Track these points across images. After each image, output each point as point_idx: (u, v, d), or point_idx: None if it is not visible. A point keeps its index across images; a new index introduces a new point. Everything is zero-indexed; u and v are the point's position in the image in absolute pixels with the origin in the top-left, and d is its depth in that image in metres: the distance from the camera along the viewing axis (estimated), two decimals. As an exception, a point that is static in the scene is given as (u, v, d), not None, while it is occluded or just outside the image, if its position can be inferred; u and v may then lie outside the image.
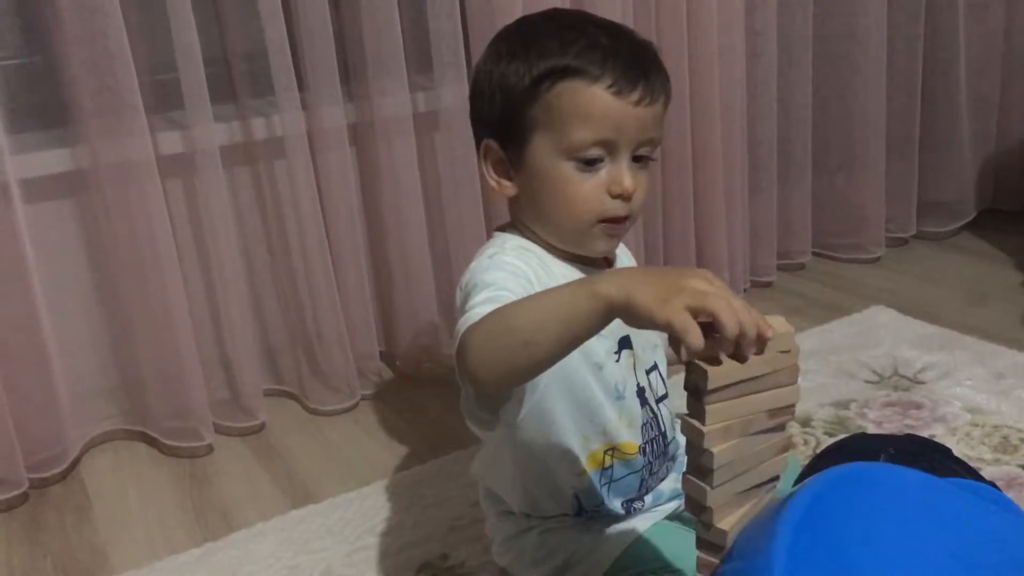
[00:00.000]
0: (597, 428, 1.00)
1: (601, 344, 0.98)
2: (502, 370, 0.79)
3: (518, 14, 1.61)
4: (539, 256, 0.99)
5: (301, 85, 1.61)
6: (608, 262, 1.06)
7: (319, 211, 1.66)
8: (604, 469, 1.01)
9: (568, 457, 1.00)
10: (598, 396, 0.99)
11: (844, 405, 1.53)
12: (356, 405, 1.72)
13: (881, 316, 1.88)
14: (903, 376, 1.61)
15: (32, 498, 1.50)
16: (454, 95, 1.69)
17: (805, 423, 1.48)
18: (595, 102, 0.92)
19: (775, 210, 2.12)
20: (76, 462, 1.58)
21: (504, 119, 0.97)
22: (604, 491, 1.02)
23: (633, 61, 0.94)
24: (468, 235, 1.75)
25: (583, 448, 1.00)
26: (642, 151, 0.96)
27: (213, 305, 1.67)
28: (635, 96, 0.93)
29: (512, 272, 0.93)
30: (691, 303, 0.66)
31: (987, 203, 2.42)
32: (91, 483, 1.54)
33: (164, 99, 1.60)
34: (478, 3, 1.67)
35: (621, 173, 0.95)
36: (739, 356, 0.69)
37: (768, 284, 2.13)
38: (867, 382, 1.61)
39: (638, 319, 0.69)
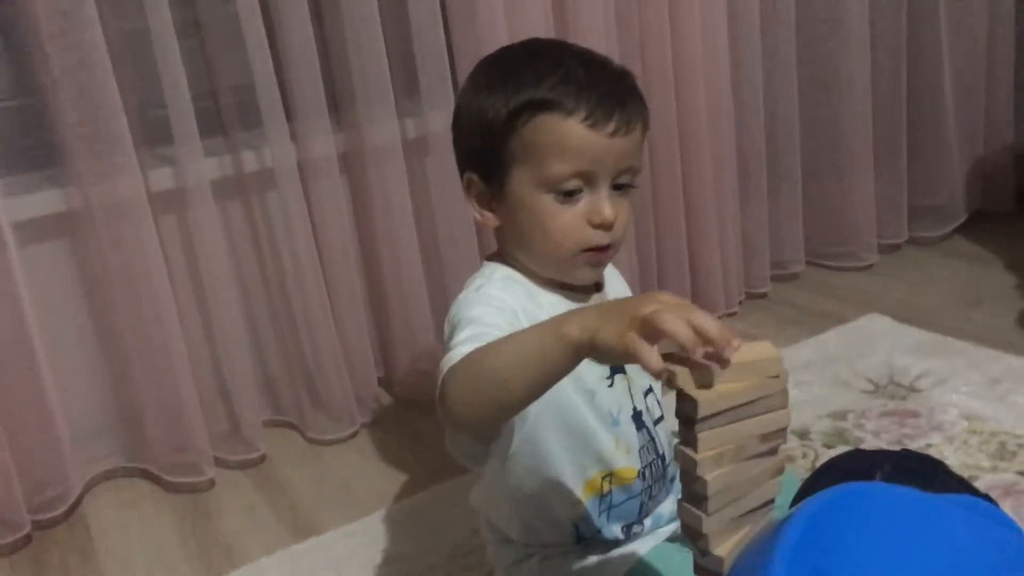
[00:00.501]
0: (592, 455, 1.00)
1: (593, 371, 0.99)
2: (480, 412, 0.81)
3: (502, 36, 1.64)
4: (525, 286, 1.00)
5: (290, 116, 1.62)
6: (598, 287, 1.07)
7: (312, 240, 1.67)
8: (603, 496, 1.01)
9: (564, 487, 1.00)
10: (591, 423, 0.99)
11: (841, 416, 1.54)
12: (356, 433, 1.72)
13: (876, 324, 1.89)
14: (899, 384, 1.62)
15: (35, 540, 1.50)
16: (443, 119, 1.70)
17: (803, 435, 1.49)
18: (571, 135, 0.93)
19: (767, 220, 2.13)
20: (78, 501, 1.58)
21: (483, 152, 0.98)
22: (603, 518, 1.02)
23: (608, 92, 0.94)
24: (462, 257, 1.76)
25: (579, 476, 1.00)
26: (622, 179, 0.97)
27: (210, 338, 1.67)
28: (610, 127, 0.93)
29: (498, 307, 0.93)
30: (644, 327, 0.66)
31: (977, 205, 2.43)
32: (94, 522, 1.54)
33: (154, 136, 1.61)
34: (462, 26, 1.68)
35: (601, 203, 0.96)
36: (706, 378, 0.69)
37: (763, 295, 2.14)
38: (864, 392, 1.61)
39: (604, 356, 0.70)
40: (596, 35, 1.75)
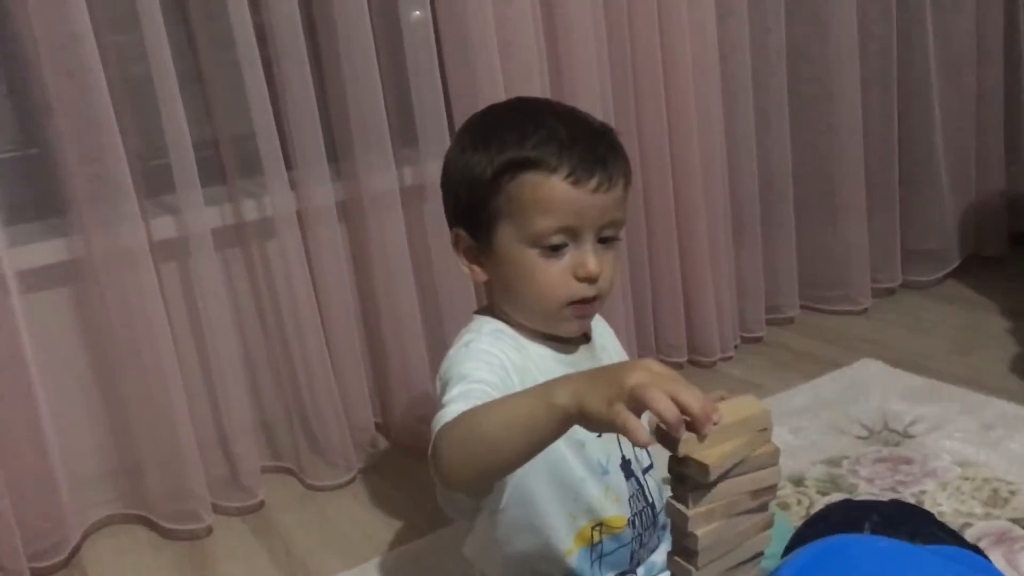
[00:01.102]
0: (582, 506, 1.01)
1: None
2: (472, 473, 0.83)
3: (498, 84, 1.67)
4: (514, 339, 1.02)
5: (289, 165, 1.65)
6: (586, 338, 1.09)
7: (311, 288, 1.68)
8: (593, 545, 1.02)
9: (554, 538, 1.01)
10: (580, 474, 1.01)
11: (836, 463, 1.54)
12: (353, 479, 1.73)
13: (870, 369, 1.90)
14: (893, 430, 1.63)
15: (34, 587, 1.51)
16: (440, 168, 1.72)
17: (798, 482, 1.49)
18: (554, 193, 0.96)
19: (761, 265, 2.15)
20: (77, 549, 1.58)
21: (470, 209, 1.02)
22: (595, 567, 1.03)
23: (590, 149, 0.97)
24: (459, 305, 1.77)
25: (570, 528, 1.01)
26: (606, 233, 1.00)
27: (209, 384, 1.68)
28: (592, 184, 0.96)
29: (487, 361, 0.95)
30: (631, 401, 0.68)
31: (970, 249, 2.45)
32: (92, 570, 1.54)
33: (156, 185, 1.64)
34: (459, 75, 1.71)
35: (585, 256, 0.98)
36: (699, 441, 0.71)
37: (758, 339, 2.15)
38: (858, 437, 1.62)
39: (593, 424, 0.72)
40: (589, 84, 1.78)
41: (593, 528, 1.02)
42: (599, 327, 1.13)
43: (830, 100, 2.15)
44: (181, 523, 1.61)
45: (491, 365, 0.95)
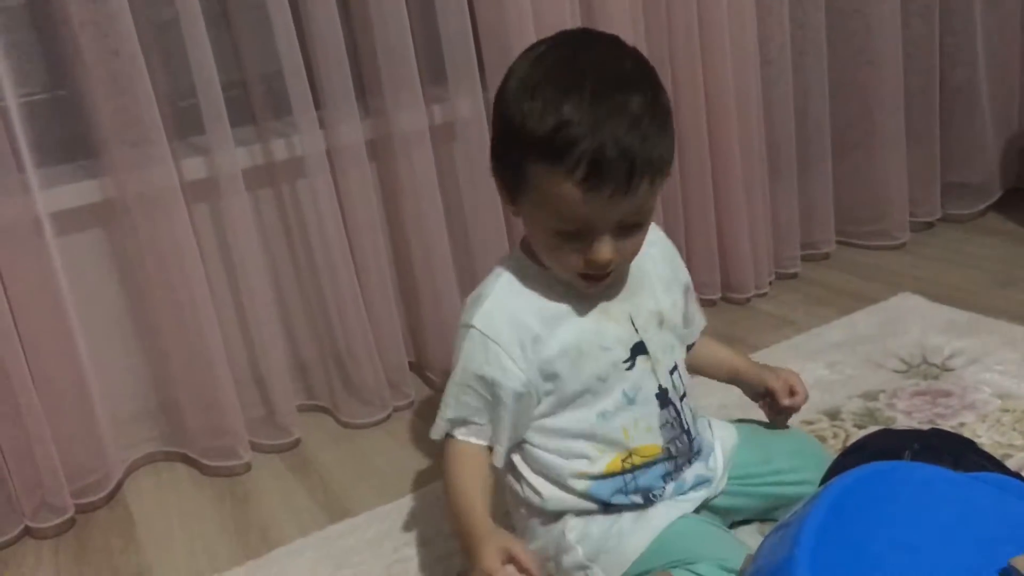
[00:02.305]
0: (607, 439, 1.05)
1: (608, 357, 1.04)
2: None
3: (527, 21, 1.64)
4: (544, 277, 1.05)
5: (318, 104, 1.63)
6: None
7: (342, 227, 1.68)
8: (624, 473, 1.04)
9: (582, 474, 1.05)
10: (602, 409, 1.04)
11: (873, 396, 1.53)
12: (388, 417, 1.74)
13: (908, 303, 1.87)
14: (931, 364, 1.61)
15: (78, 523, 1.54)
16: (469, 106, 1.71)
17: (834, 416, 1.48)
18: (568, 196, 0.92)
19: (797, 200, 2.12)
20: (119, 486, 1.62)
21: (504, 164, 1.02)
22: (627, 492, 1.05)
23: (616, 144, 0.91)
24: (491, 242, 1.77)
25: (599, 460, 1.05)
26: (626, 223, 0.97)
27: (244, 324, 1.70)
28: (607, 192, 0.92)
29: (475, 390, 1.03)
30: None
31: (1012, 182, 2.40)
32: (135, 506, 1.57)
33: (186, 126, 1.63)
34: (488, 10, 1.68)
35: (598, 247, 0.97)
36: None
37: (793, 275, 2.13)
38: (895, 371, 1.60)
39: None
40: (622, 19, 1.74)
41: (623, 460, 1.04)
42: (652, 238, 1.08)
43: (869, 32, 2.09)
44: (220, 460, 1.63)
45: (478, 394, 1.03)
